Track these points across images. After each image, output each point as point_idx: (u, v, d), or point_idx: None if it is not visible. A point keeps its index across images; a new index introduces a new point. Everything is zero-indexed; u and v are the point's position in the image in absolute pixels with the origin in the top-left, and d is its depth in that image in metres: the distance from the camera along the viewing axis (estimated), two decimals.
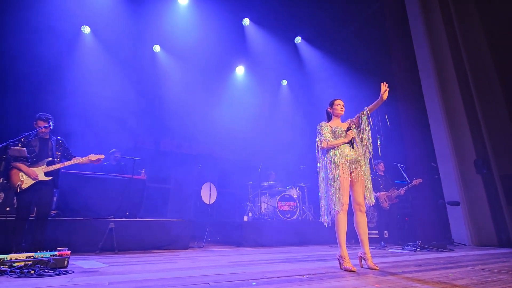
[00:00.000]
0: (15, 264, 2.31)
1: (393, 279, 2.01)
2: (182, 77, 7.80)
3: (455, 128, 5.92)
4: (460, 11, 6.49)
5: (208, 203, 6.17)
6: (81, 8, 6.36)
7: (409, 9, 6.84)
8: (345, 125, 2.79)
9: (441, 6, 6.44)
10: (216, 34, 7.29)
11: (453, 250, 4.25)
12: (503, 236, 5.12)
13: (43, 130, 3.33)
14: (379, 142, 2.73)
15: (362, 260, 2.59)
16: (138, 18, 6.81)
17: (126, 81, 7.18)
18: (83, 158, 3.52)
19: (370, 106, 2.73)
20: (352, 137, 2.67)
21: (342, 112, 2.84)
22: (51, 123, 3.39)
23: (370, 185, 2.66)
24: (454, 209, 5.56)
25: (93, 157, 3.56)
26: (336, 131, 2.73)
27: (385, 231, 5.31)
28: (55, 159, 3.39)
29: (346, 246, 2.56)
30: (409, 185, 5.03)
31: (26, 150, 3.21)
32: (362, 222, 2.58)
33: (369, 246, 2.63)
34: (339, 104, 2.83)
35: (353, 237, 5.32)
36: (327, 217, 2.61)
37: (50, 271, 2.27)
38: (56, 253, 2.49)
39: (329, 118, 2.93)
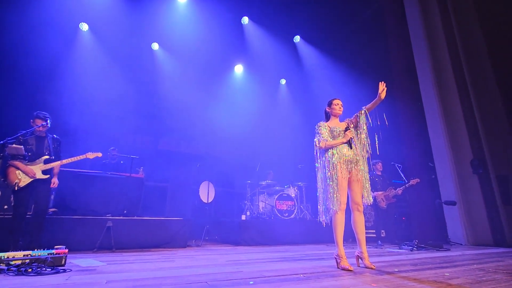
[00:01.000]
0: (13, 263, 2.30)
1: (389, 278, 2.03)
2: (181, 75, 7.78)
3: (452, 128, 5.95)
4: (459, 11, 6.51)
5: (206, 202, 6.17)
6: (78, 5, 6.32)
7: (408, 9, 6.85)
8: (343, 125, 2.80)
9: (439, 7, 6.46)
10: (215, 32, 7.27)
11: (449, 250, 4.29)
12: (499, 235, 5.16)
13: (40, 128, 3.31)
14: (377, 142, 2.75)
15: (359, 259, 2.60)
16: (137, 16, 6.78)
17: (125, 79, 7.15)
18: (81, 156, 3.53)
19: (368, 106, 2.74)
20: (350, 137, 2.68)
21: (341, 112, 2.85)
22: (48, 121, 3.37)
23: (368, 185, 2.68)
24: (450, 209, 5.60)
25: (90, 155, 3.60)
26: (335, 131, 2.74)
27: (382, 230, 5.34)
28: (52, 157, 3.38)
29: (343, 245, 2.58)
30: (407, 184, 5.06)
31: (23, 148, 3.19)
32: (359, 222, 2.60)
33: (366, 245, 2.64)
34: (337, 104, 2.84)
35: (350, 236, 5.35)
36: (325, 216, 2.63)
37: (48, 269, 2.26)
38: (54, 251, 2.49)
39: (327, 118, 2.93)
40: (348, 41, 8.12)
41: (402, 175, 5.21)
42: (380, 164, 5.48)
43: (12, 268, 2.22)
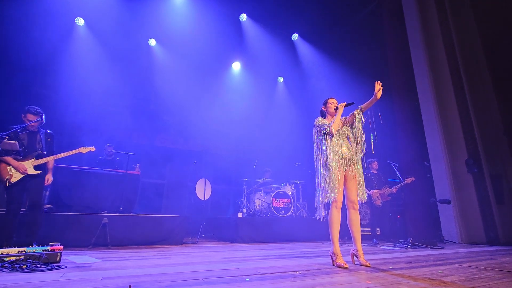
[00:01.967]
0: (7, 259, 2.29)
1: (384, 276, 2.05)
2: (178, 71, 7.73)
3: (448, 128, 6.00)
4: (456, 12, 6.55)
5: (202, 199, 6.17)
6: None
7: (405, 9, 6.86)
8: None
9: (437, 6, 6.48)
10: (213, 29, 7.23)
11: (443, 248, 4.34)
12: (492, 234, 5.24)
13: (33, 124, 3.23)
14: (372, 141, 2.76)
15: (354, 256, 2.62)
16: (134, 11, 6.71)
17: (121, 75, 7.08)
18: (74, 151, 3.47)
19: (364, 105, 2.75)
20: (346, 103, 2.73)
21: (336, 111, 2.85)
22: (43, 117, 3.32)
23: (363, 183, 2.69)
24: (445, 207, 5.66)
25: (83, 149, 3.52)
26: None
27: (377, 228, 5.39)
28: (44, 152, 3.32)
29: (339, 243, 2.60)
30: (402, 183, 5.10)
31: (18, 144, 3.16)
32: (355, 220, 2.62)
33: (362, 243, 2.67)
34: (333, 103, 2.85)
35: (346, 234, 5.39)
36: (322, 212, 2.63)
37: (43, 266, 2.25)
38: (49, 248, 2.47)
39: (323, 117, 2.94)
40: (345, 40, 8.13)
41: (398, 174, 5.25)
42: (375, 162, 5.51)
43: (6, 265, 2.20)
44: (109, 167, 5.06)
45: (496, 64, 6.30)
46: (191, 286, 1.69)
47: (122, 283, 1.76)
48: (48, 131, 3.48)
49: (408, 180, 5.06)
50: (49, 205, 4.14)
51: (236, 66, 8.75)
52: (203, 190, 6.17)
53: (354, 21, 7.89)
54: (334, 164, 2.59)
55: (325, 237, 5.36)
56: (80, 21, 6.65)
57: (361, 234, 2.70)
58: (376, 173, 5.48)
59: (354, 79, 7.13)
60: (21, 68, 5.87)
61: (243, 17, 7.82)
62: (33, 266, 2.21)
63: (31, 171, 3.18)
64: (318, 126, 2.78)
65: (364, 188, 2.69)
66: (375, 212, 5.34)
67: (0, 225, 3.10)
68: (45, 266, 2.25)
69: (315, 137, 2.82)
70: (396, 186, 5.13)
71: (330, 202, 2.58)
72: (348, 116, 2.84)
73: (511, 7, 5.74)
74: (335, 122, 2.68)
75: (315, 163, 2.78)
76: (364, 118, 2.76)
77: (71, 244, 3.61)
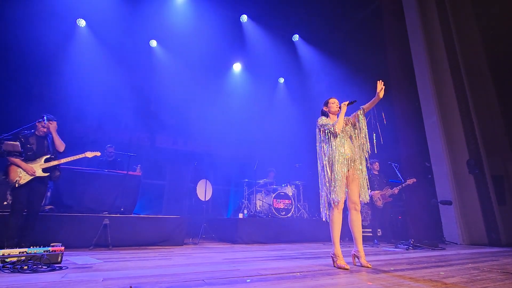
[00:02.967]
0: (8, 260, 2.29)
1: (385, 277, 2.04)
2: (178, 72, 7.74)
3: (449, 128, 5.99)
4: (457, 12, 6.54)
5: (203, 200, 6.17)
6: (76, 0, 6.26)
7: (406, 11, 6.86)
8: None
9: (438, 9, 6.48)
10: (214, 30, 7.25)
11: (445, 249, 4.33)
12: (493, 235, 5.22)
13: (44, 129, 3.38)
14: (375, 141, 2.75)
15: (356, 257, 2.62)
16: (135, 13, 6.74)
17: (122, 76, 7.10)
18: (80, 155, 3.62)
19: (366, 105, 2.75)
20: (349, 101, 2.72)
21: (338, 110, 2.85)
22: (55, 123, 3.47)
23: (365, 184, 2.68)
24: (446, 208, 5.64)
25: (89, 154, 3.70)
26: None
27: (379, 229, 5.37)
28: (52, 156, 3.44)
29: (340, 244, 2.59)
30: (403, 184, 5.09)
31: (19, 145, 3.18)
32: (356, 221, 2.61)
33: (363, 244, 2.66)
34: (334, 103, 2.84)
35: (347, 235, 5.38)
36: (326, 212, 2.61)
37: (44, 267, 2.25)
38: (50, 248, 2.48)
39: (326, 117, 2.93)
40: (346, 40, 8.13)
41: (399, 175, 5.24)
42: (377, 163, 5.50)
43: (7, 265, 2.20)
44: (110, 168, 5.07)
45: (498, 65, 6.29)
46: (192, 287, 1.69)
47: (123, 284, 1.76)
48: None
49: (410, 181, 5.05)
50: (50, 206, 4.15)
51: (237, 67, 8.76)
52: (203, 191, 6.17)
53: (355, 21, 7.90)
54: (337, 164, 2.58)
55: (326, 238, 5.35)
56: (82, 22, 6.68)
57: (362, 235, 2.69)
58: (377, 174, 5.47)
59: (355, 79, 7.13)
60: (23, 68, 5.89)
61: (244, 18, 7.83)
62: (34, 267, 2.21)
63: (39, 173, 3.28)
64: (321, 126, 2.75)
65: (367, 188, 2.68)
66: (376, 213, 5.33)
67: (2, 226, 3.13)
68: (46, 267, 2.25)
69: (318, 137, 2.80)
70: (398, 187, 5.12)
71: (332, 203, 2.57)
72: (350, 117, 2.83)
73: None
74: (339, 122, 2.66)
75: (318, 163, 2.76)
76: (366, 118, 2.75)
77: (72, 245, 3.62)
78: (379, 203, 5.21)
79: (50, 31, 6.01)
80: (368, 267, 2.44)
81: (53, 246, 2.51)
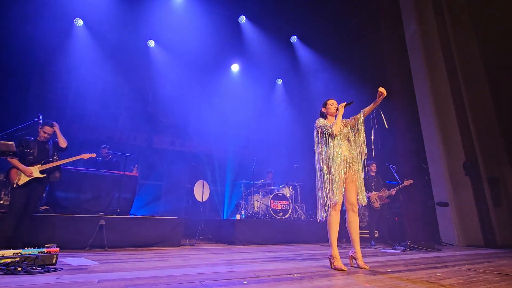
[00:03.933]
0: (2, 261, 2.26)
1: (382, 278, 2.04)
2: (176, 73, 7.73)
3: (446, 131, 6.03)
4: (454, 16, 6.60)
5: (200, 200, 6.14)
6: (73, 0, 6.22)
7: (404, 14, 6.91)
8: None
9: (435, 11, 6.53)
10: (212, 30, 7.24)
11: (441, 250, 4.34)
12: (489, 236, 5.25)
13: (46, 135, 3.49)
14: (373, 146, 2.75)
15: (353, 259, 2.62)
16: (132, 12, 6.72)
17: (119, 76, 7.08)
18: (76, 157, 3.69)
19: (366, 108, 2.75)
20: (346, 103, 2.73)
21: (336, 112, 2.85)
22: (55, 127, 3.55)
23: (362, 186, 2.68)
24: (442, 210, 5.67)
25: (85, 156, 3.76)
26: None
27: (376, 231, 5.39)
28: (50, 159, 3.51)
29: (337, 245, 2.59)
30: (400, 185, 5.10)
31: (14, 145, 3.15)
32: (354, 222, 2.61)
33: (360, 245, 2.66)
34: (332, 104, 2.84)
35: (344, 236, 5.38)
36: (323, 213, 2.61)
37: (38, 268, 2.22)
38: (45, 249, 2.45)
39: (324, 118, 2.93)
40: (344, 42, 8.17)
41: (396, 176, 5.25)
42: (374, 165, 5.52)
43: (1, 267, 2.17)
44: (106, 169, 5.03)
45: (494, 68, 6.35)
46: None
47: (119, 285, 1.75)
48: (56, 140, 3.67)
49: (407, 182, 5.06)
50: (45, 207, 4.11)
51: (235, 68, 8.76)
52: (201, 191, 6.15)
53: (353, 24, 7.93)
54: (335, 166, 2.59)
55: (324, 239, 5.35)
56: (79, 22, 6.64)
57: (360, 237, 2.69)
58: (374, 176, 5.49)
59: (353, 81, 7.16)
60: (20, 69, 5.84)
61: (242, 19, 7.84)
62: (29, 268, 2.18)
63: (36, 174, 3.34)
64: (319, 127, 2.76)
65: (364, 191, 2.68)
66: (373, 214, 5.34)
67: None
68: (40, 268, 2.22)
69: (316, 138, 2.81)
70: (395, 189, 5.13)
71: (330, 204, 2.56)
72: (349, 119, 2.84)
73: (508, 10, 5.79)
74: (336, 123, 2.67)
75: (316, 164, 2.76)
76: (366, 120, 2.75)
77: (67, 246, 3.58)
78: (376, 205, 5.23)
79: (47, 31, 5.97)
80: (365, 268, 2.44)
81: (48, 247, 2.48)
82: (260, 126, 8.99)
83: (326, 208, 2.58)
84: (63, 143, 3.59)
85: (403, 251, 4.17)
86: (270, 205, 5.75)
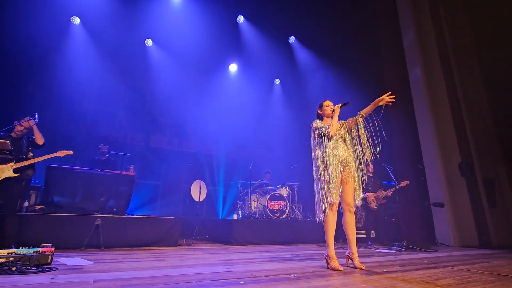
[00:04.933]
0: None
1: (378, 279, 2.05)
2: (174, 72, 7.70)
3: (442, 132, 6.07)
4: (451, 19, 6.65)
5: (198, 200, 6.13)
6: None
7: (401, 15, 6.95)
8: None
9: (431, 13, 6.57)
10: (210, 30, 7.23)
11: (437, 251, 4.37)
12: (484, 237, 5.29)
13: (22, 130, 3.33)
14: (370, 148, 2.75)
15: (349, 259, 2.62)
16: (130, 11, 6.68)
17: (117, 74, 7.03)
18: (52, 154, 3.50)
19: (364, 110, 2.75)
20: (341, 104, 2.75)
21: (332, 113, 2.86)
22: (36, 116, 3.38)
23: (359, 186, 2.70)
24: (438, 211, 5.71)
25: (61, 153, 3.59)
26: None
27: (372, 231, 5.41)
28: (23, 156, 3.35)
29: (334, 246, 2.60)
30: (397, 186, 5.13)
31: (9, 143, 3.12)
32: (350, 222, 2.62)
33: (356, 245, 2.67)
34: (328, 105, 2.85)
35: (340, 237, 5.40)
36: (321, 214, 2.62)
37: (33, 268, 2.20)
38: (40, 249, 2.43)
39: (320, 120, 2.94)
40: (342, 43, 8.18)
41: (393, 177, 5.28)
42: (371, 166, 5.54)
43: None
44: (103, 168, 5.01)
45: (489, 69, 6.41)
46: None
47: (115, 285, 1.74)
48: (32, 137, 3.50)
49: (403, 183, 5.08)
50: (41, 206, 4.08)
51: (233, 68, 8.75)
52: (198, 191, 6.13)
53: (351, 24, 7.95)
54: (332, 166, 2.60)
55: (320, 240, 5.36)
56: (76, 20, 6.59)
57: (356, 237, 2.70)
58: (371, 176, 5.51)
59: (350, 82, 7.18)
60: (15, 67, 5.78)
61: (240, 19, 7.83)
62: (23, 268, 2.16)
63: (8, 173, 3.18)
64: (316, 129, 2.77)
65: (360, 192, 2.70)
66: (370, 215, 5.36)
67: None
68: (35, 268, 2.20)
69: (312, 140, 2.82)
70: (391, 189, 5.16)
71: (326, 205, 2.57)
72: (346, 121, 2.84)
73: (505, 12, 5.84)
74: (332, 124, 2.69)
75: (313, 166, 2.77)
76: (363, 125, 2.76)
77: (63, 246, 3.55)
78: (373, 205, 5.25)
79: (44, 29, 5.92)
80: (361, 268, 2.45)
81: (43, 246, 2.46)
82: (258, 126, 8.98)
83: (323, 208, 2.59)
84: (40, 139, 3.44)
85: (399, 251, 4.19)
86: (267, 205, 5.75)
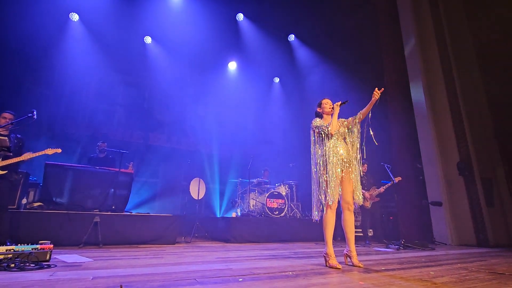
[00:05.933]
0: None
1: (376, 276, 2.06)
2: (173, 70, 7.67)
3: (441, 131, 6.08)
4: (451, 20, 6.64)
5: (196, 198, 6.13)
6: None
7: (401, 13, 6.94)
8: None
9: (432, 13, 6.56)
10: (209, 27, 7.20)
11: (434, 249, 4.39)
12: (482, 236, 5.32)
13: (7, 121, 3.26)
14: (365, 146, 2.76)
15: (348, 257, 2.64)
16: (129, 8, 6.64)
17: (115, 72, 7.00)
18: (40, 152, 3.42)
19: (363, 110, 2.75)
20: (341, 102, 2.73)
21: (331, 111, 2.85)
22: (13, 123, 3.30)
23: (359, 185, 2.69)
24: (436, 209, 5.73)
25: (49, 151, 3.49)
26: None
27: (370, 230, 5.42)
28: (10, 154, 3.27)
29: (332, 244, 2.60)
30: (389, 184, 5.12)
31: (7, 140, 3.10)
32: (349, 221, 2.63)
33: (355, 244, 2.68)
34: (327, 103, 2.85)
35: (339, 235, 5.41)
36: (318, 213, 2.63)
37: (31, 265, 2.20)
38: (38, 246, 2.42)
39: (319, 118, 2.93)
40: (341, 41, 8.17)
41: (391, 175, 5.29)
42: (365, 165, 5.53)
43: None
44: (101, 165, 4.99)
45: (488, 68, 6.42)
46: (183, 286, 1.68)
47: (113, 282, 1.74)
48: (18, 136, 3.43)
49: (396, 179, 5.08)
50: (39, 203, 4.07)
51: (232, 66, 8.72)
52: (197, 189, 6.13)
53: (351, 23, 7.94)
54: (331, 165, 2.60)
55: (318, 238, 5.37)
56: (75, 17, 6.55)
57: (354, 235, 2.71)
58: (364, 175, 5.50)
59: (349, 80, 7.18)
60: (13, 63, 5.74)
61: (240, 16, 7.80)
62: (22, 265, 2.16)
63: None
64: (316, 128, 2.76)
65: (361, 190, 2.70)
66: (365, 213, 5.38)
67: None
68: (34, 265, 2.20)
69: (312, 138, 2.81)
70: (384, 186, 5.16)
71: (325, 203, 2.57)
72: (346, 120, 2.84)
73: (504, 12, 5.84)
74: (332, 123, 2.68)
75: (312, 164, 2.77)
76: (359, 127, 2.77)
77: (61, 243, 3.55)
78: (367, 204, 5.25)
79: (42, 25, 5.88)
80: (359, 266, 2.46)
81: (41, 243, 2.46)
82: (257, 124, 8.98)
83: (322, 207, 2.59)
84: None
85: (397, 249, 4.21)
86: (266, 203, 5.76)
